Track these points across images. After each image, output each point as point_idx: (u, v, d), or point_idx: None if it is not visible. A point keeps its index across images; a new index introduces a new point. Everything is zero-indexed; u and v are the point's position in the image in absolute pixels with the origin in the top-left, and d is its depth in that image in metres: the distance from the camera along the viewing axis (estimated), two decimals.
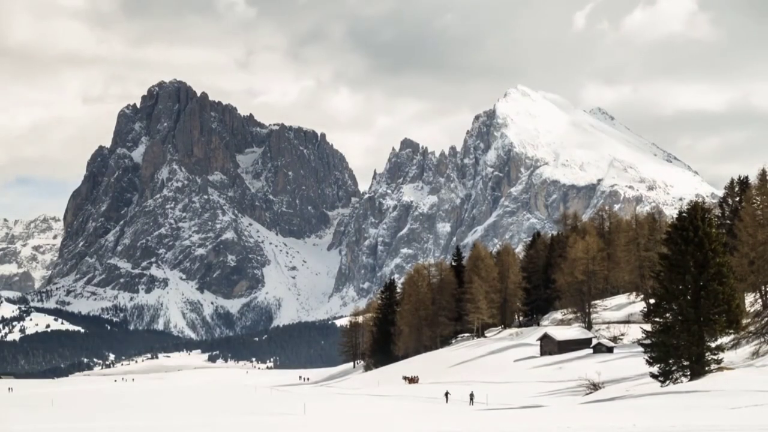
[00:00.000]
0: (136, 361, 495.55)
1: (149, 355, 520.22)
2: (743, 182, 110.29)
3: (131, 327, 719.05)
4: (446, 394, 79.27)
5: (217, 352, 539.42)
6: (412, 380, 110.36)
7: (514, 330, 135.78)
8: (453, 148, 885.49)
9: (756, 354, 65.78)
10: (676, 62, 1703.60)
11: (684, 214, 60.79)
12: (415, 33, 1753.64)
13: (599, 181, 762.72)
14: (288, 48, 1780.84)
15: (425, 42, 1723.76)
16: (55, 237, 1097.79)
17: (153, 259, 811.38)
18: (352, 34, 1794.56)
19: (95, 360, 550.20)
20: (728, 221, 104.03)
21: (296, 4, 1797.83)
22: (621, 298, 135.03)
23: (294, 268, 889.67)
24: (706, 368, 58.43)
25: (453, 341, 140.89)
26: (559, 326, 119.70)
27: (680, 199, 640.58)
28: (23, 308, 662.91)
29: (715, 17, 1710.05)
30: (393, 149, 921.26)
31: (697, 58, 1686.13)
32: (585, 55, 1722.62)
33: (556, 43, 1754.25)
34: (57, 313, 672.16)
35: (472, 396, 74.87)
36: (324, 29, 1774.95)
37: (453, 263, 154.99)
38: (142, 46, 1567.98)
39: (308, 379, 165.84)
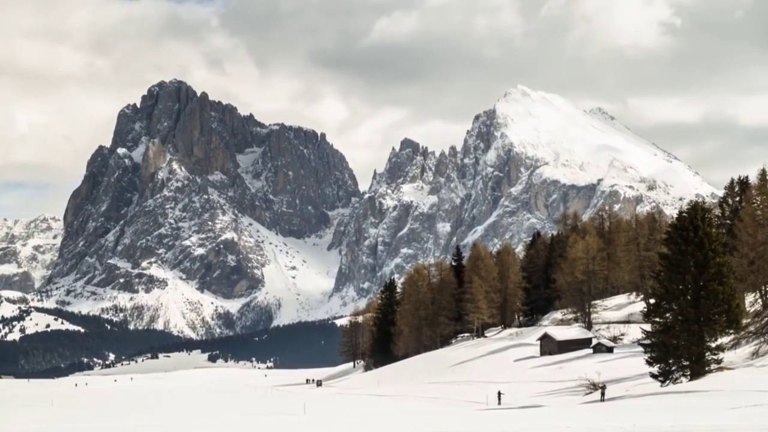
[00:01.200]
0: (136, 361, 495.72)
1: (149, 355, 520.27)
2: (743, 182, 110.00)
3: (131, 327, 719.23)
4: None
5: (217, 351, 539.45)
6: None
7: (514, 330, 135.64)
8: (453, 148, 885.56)
9: (756, 354, 65.73)
10: (648, 76, 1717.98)
11: (684, 214, 60.80)
12: (383, 47, 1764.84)
13: (599, 181, 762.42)
14: (268, 66, 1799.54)
15: (393, 55, 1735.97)
16: (55, 237, 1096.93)
17: (153, 259, 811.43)
18: (333, 51, 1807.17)
19: (95, 360, 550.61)
20: (728, 221, 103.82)
21: (271, 31, 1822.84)
22: (621, 298, 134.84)
23: (294, 268, 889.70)
24: (706, 368, 58.43)
25: (453, 341, 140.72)
26: (559, 326, 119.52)
27: (680, 199, 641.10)
28: (23, 308, 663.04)
29: (685, 32, 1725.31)
30: (393, 149, 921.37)
31: (666, 71, 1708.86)
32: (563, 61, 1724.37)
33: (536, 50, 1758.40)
34: (57, 313, 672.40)
35: (500, 395, 72.36)
36: (307, 46, 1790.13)
37: (453, 263, 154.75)
38: (133, 63, 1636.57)
39: (313, 380, 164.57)
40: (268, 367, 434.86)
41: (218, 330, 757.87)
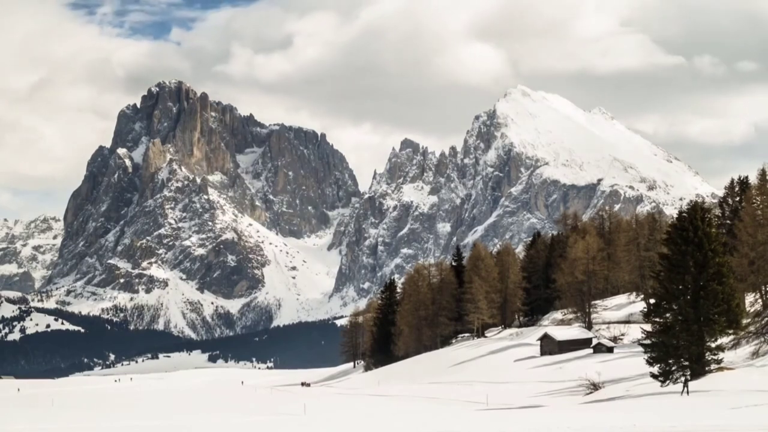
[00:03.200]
0: (137, 361, 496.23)
1: (149, 355, 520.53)
2: (743, 182, 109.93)
3: (131, 327, 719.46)
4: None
5: (218, 352, 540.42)
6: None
7: (514, 330, 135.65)
8: (453, 148, 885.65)
9: (756, 354, 65.71)
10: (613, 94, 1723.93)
11: (684, 214, 60.81)
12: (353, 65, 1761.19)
13: (599, 181, 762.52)
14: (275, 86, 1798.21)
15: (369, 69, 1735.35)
16: (55, 237, 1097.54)
17: (153, 259, 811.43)
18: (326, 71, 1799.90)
19: (95, 360, 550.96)
20: (728, 221, 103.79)
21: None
22: (621, 298, 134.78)
23: (294, 268, 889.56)
24: (706, 368, 58.44)
25: (453, 341, 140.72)
26: (559, 326, 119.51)
27: (680, 199, 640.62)
28: (23, 308, 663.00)
29: (648, 51, 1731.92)
30: (393, 149, 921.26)
31: (634, 88, 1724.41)
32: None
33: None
34: (57, 313, 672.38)
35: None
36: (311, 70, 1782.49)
37: (453, 263, 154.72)
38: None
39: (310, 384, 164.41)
40: (268, 368, 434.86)
41: (218, 330, 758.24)
